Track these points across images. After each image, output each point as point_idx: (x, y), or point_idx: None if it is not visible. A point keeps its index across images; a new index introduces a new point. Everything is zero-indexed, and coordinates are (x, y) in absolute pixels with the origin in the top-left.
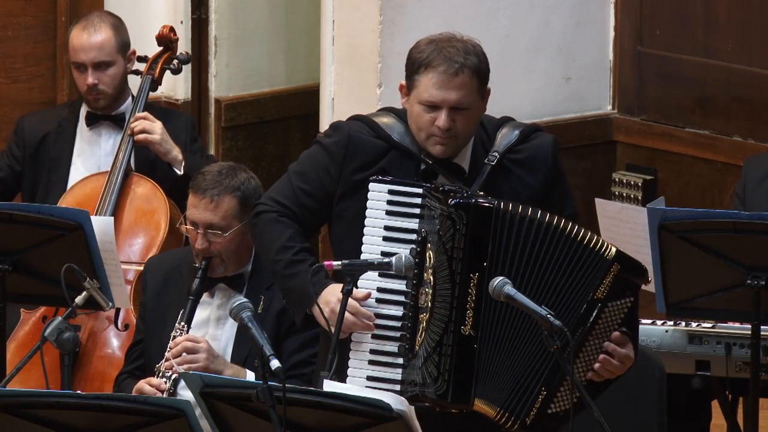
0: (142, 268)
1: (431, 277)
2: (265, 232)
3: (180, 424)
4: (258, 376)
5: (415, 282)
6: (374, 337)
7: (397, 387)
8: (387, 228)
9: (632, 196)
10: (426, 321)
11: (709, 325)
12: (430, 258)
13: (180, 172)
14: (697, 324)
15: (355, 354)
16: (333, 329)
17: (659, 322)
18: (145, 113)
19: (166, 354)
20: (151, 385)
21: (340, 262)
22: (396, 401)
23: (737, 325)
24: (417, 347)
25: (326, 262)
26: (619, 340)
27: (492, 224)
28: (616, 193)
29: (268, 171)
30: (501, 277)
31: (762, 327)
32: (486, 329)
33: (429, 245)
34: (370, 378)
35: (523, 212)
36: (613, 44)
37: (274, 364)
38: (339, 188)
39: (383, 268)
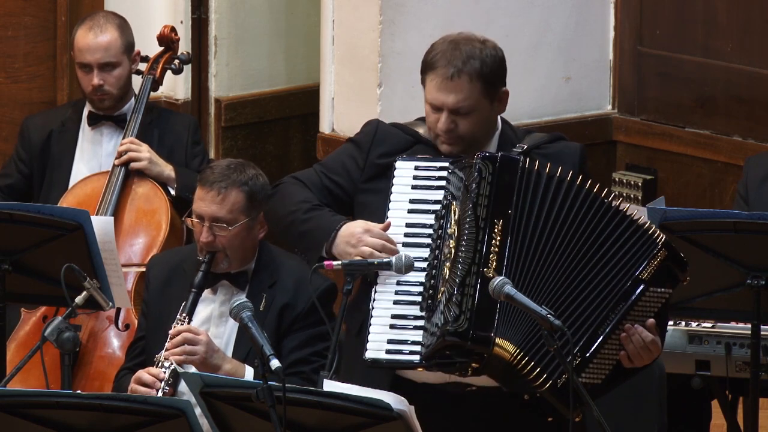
0: (142, 270)
1: (455, 228)
2: (285, 191)
3: (180, 424)
4: (258, 374)
5: (438, 243)
6: (396, 303)
7: (417, 348)
8: (412, 201)
9: (632, 196)
10: (448, 268)
11: (709, 325)
12: (455, 213)
13: (173, 192)
14: (697, 324)
15: (377, 320)
16: (357, 257)
17: None
18: (131, 138)
19: (166, 344)
20: (150, 374)
21: (339, 262)
22: (396, 401)
23: (737, 325)
24: (439, 297)
25: (326, 262)
26: (652, 328)
27: (518, 175)
28: (616, 192)
29: (268, 171)
30: (501, 277)
31: (762, 327)
32: (510, 275)
33: (454, 204)
34: (391, 341)
35: (552, 171)
36: (613, 44)
37: (274, 363)
38: (365, 173)
39: (383, 268)
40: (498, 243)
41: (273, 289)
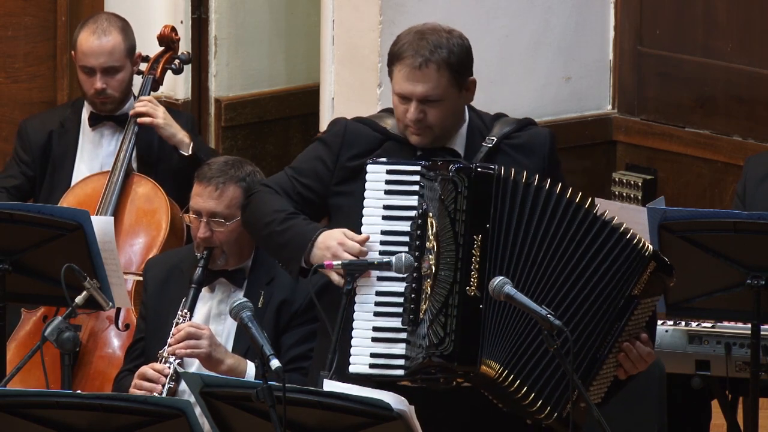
0: (139, 278)
1: (434, 243)
2: (259, 201)
3: (180, 424)
4: (258, 373)
5: (417, 254)
6: (377, 314)
7: (401, 362)
8: (386, 207)
9: (632, 195)
10: (430, 286)
11: (709, 325)
12: (432, 226)
13: (188, 152)
14: (697, 324)
15: (358, 332)
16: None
17: (659, 322)
18: (150, 97)
19: (168, 340)
20: (155, 370)
21: (340, 262)
22: (396, 401)
23: (737, 325)
24: (421, 314)
25: (326, 262)
26: (646, 341)
27: (494, 187)
28: (616, 192)
29: (268, 171)
30: (501, 277)
31: (762, 327)
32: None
33: (430, 215)
34: (373, 355)
35: (529, 179)
36: (613, 44)
37: (274, 363)
38: (335, 176)
39: (383, 268)
40: (478, 260)
41: (271, 286)
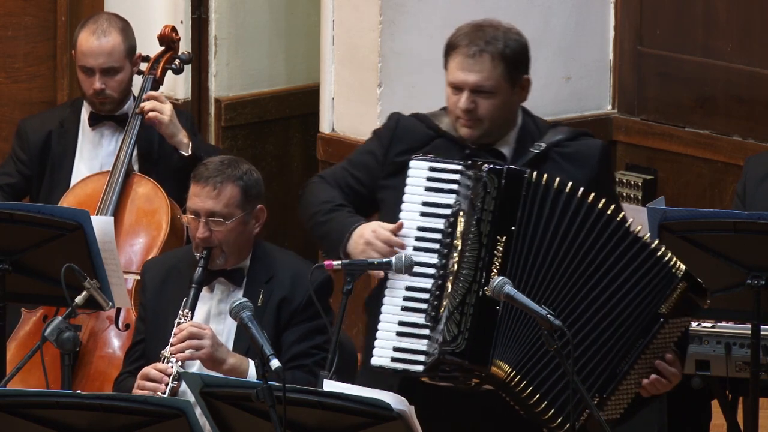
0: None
1: (460, 242)
2: (309, 192)
3: (180, 424)
4: (259, 373)
5: (446, 252)
6: (404, 309)
7: (422, 357)
8: (425, 203)
9: (632, 195)
10: (451, 283)
11: (709, 325)
12: (460, 224)
13: (187, 152)
14: (697, 324)
15: (384, 325)
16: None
17: None
18: (157, 93)
19: (171, 340)
20: (158, 370)
21: (339, 262)
22: (396, 401)
23: (737, 325)
24: (441, 311)
25: (326, 262)
26: (671, 361)
27: (524, 190)
28: (616, 192)
29: (268, 171)
30: (501, 277)
31: (762, 327)
32: None
33: (461, 213)
34: (396, 349)
35: (561, 185)
36: (613, 44)
37: (274, 363)
38: (383, 170)
39: (383, 268)
40: (500, 261)
41: (270, 284)
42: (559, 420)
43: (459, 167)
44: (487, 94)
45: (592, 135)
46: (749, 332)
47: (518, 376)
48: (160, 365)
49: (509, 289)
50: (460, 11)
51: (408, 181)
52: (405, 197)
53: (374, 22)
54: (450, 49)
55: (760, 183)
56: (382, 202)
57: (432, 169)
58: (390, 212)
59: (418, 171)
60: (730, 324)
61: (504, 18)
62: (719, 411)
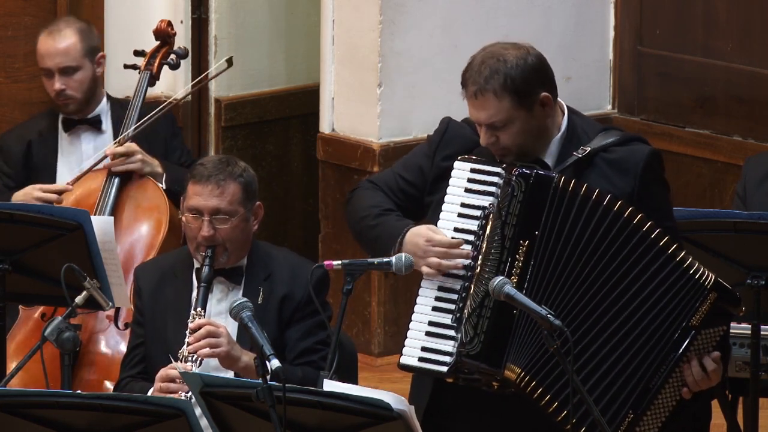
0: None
1: (485, 244)
2: (357, 197)
3: (180, 424)
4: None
5: (475, 253)
6: (434, 309)
7: (447, 358)
8: (463, 205)
9: None
10: (474, 285)
11: None
12: (488, 228)
13: (162, 186)
14: None
15: (415, 325)
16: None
17: None
18: (123, 149)
19: (187, 339)
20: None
21: (339, 262)
22: (396, 401)
23: (737, 325)
24: (465, 311)
25: (326, 261)
26: (716, 359)
27: (550, 195)
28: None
29: (268, 171)
30: (501, 277)
31: (762, 327)
32: (531, 298)
33: (491, 216)
34: (424, 349)
35: (588, 192)
36: (613, 44)
37: (274, 363)
38: (432, 173)
39: (383, 268)
40: (521, 266)
41: (269, 282)
42: (575, 421)
43: (498, 170)
44: (502, 127)
45: (646, 141)
46: (749, 332)
47: (528, 377)
48: (179, 365)
49: (509, 289)
50: (460, 11)
51: (450, 182)
52: (446, 198)
53: (374, 22)
54: (462, 86)
55: (760, 183)
56: (429, 206)
57: (473, 171)
58: (434, 215)
59: (461, 172)
60: (730, 324)
61: (504, 18)
62: (719, 411)
